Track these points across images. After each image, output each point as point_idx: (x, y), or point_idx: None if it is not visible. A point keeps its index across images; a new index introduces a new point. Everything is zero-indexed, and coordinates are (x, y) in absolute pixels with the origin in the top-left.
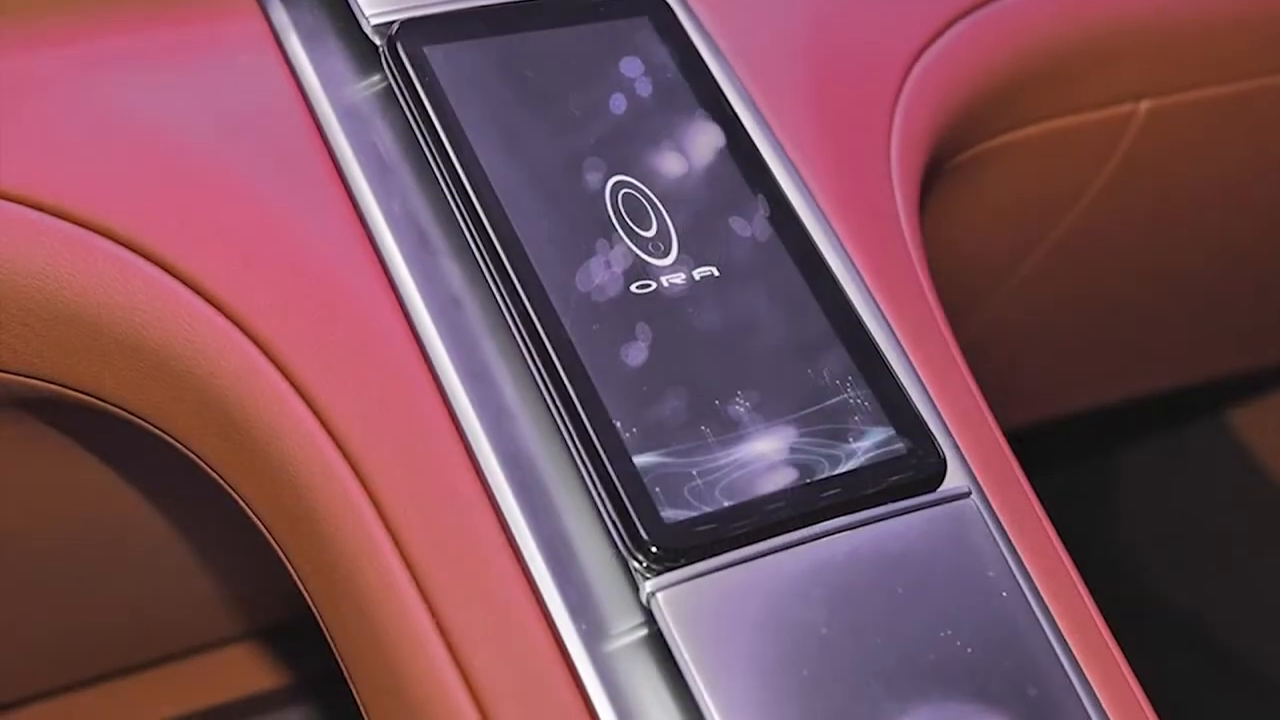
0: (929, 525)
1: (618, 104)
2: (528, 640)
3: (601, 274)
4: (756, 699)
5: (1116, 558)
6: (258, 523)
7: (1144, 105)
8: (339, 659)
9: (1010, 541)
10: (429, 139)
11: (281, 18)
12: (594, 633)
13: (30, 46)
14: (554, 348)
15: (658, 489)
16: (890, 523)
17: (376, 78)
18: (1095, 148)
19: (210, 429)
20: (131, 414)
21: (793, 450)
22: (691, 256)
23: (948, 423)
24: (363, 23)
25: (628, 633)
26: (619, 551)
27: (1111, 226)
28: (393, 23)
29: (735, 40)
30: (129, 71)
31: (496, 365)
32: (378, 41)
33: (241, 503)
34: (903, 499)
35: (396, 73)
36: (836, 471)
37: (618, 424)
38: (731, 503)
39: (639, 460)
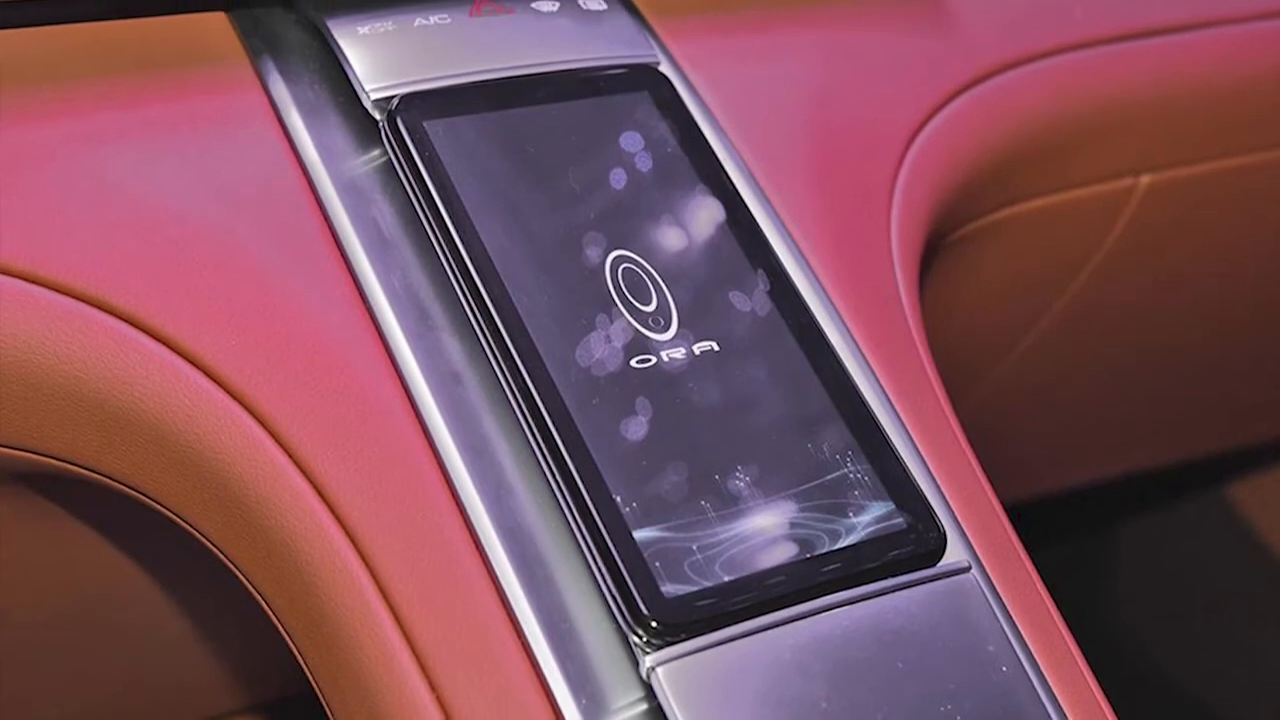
0: (929, 600)
1: (618, 179)
2: (528, 715)
3: (602, 349)
4: None
5: (1116, 632)
6: (257, 596)
7: (1143, 180)
8: None
9: (1010, 616)
10: (429, 214)
11: (282, 92)
12: (594, 707)
13: (29, 119)
14: (554, 422)
15: (658, 563)
16: (890, 597)
17: (377, 152)
18: (1094, 223)
19: (210, 503)
20: (131, 488)
21: (793, 525)
22: (692, 331)
23: (947, 497)
24: (363, 97)
25: (627, 707)
26: (619, 626)
27: (1110, 301)
28: (393, 97)
29: (735, 115)
30: (128, 145)
31: (496, 440)
32: (378, 116)
33: (241, 576)
34: (903, 574)
35: (396, 147)
36: (836, 546)
37: (617, 498)
38: (731, 577)
39: (639, 535)
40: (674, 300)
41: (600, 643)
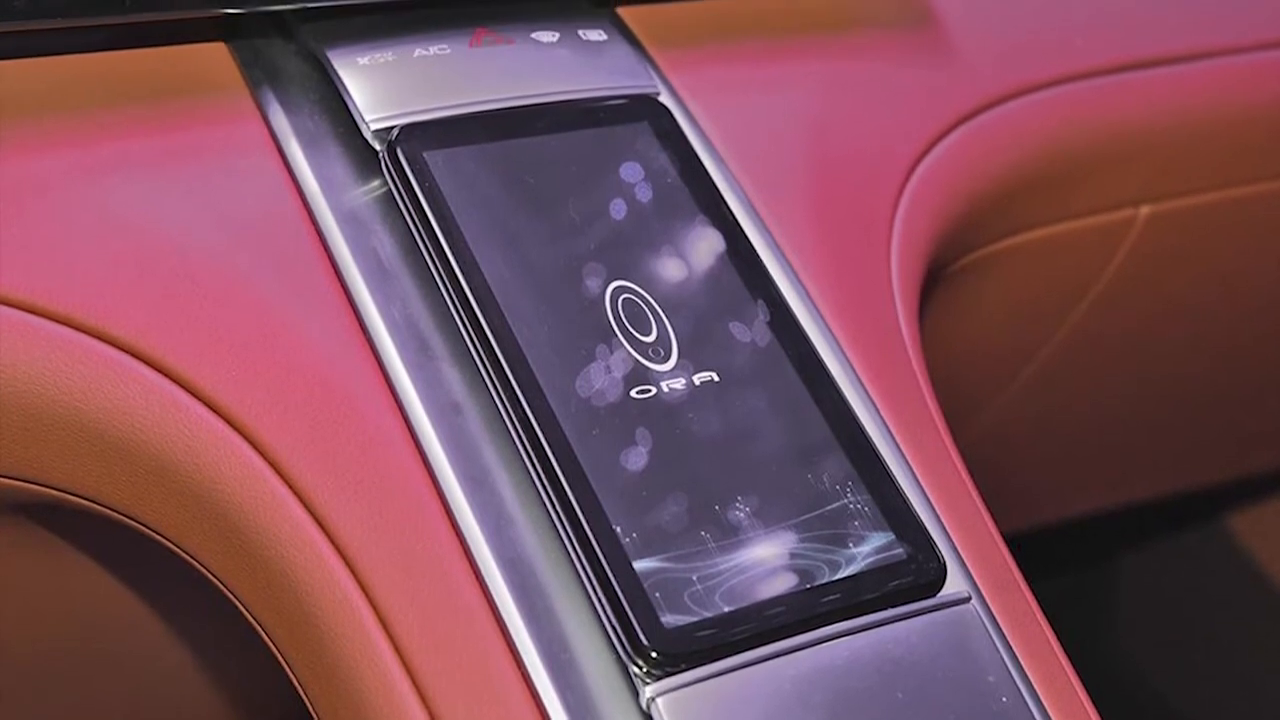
0: (929, 630)
1: (618, 209)
2: None
3: (602, 379)
4: None
5: (1117, 663)
6: (257, 626)
7: (1144, 210)
8: None
9: (1010, 646)
10: (429, 244)
11: (282, 123)
12: None
13: (30, 150)
14: (554, 453)
15: (658, 594)
16: (890, 628)
17: (377, 183)
18: (1095, 253)
19: (210, 533)
20: (131, 518)
21: (793, 555)
22: (692, 361)
23: (947, 527)
24: (363, 128)
25: None
26: (619, 656)
27: (1111, 332)
28: (393, 128)
29: (735, 146)
30: (129, 176)
31: (496, 470)
32: (378, 147)
33: (241, 606)
34: (903, 604)
35: (396, 178)
36: (836, 577)
37: (617, 529)
38: (731, 608)
39: (639, 565)
40: (674, 331)
41: (600, 673)
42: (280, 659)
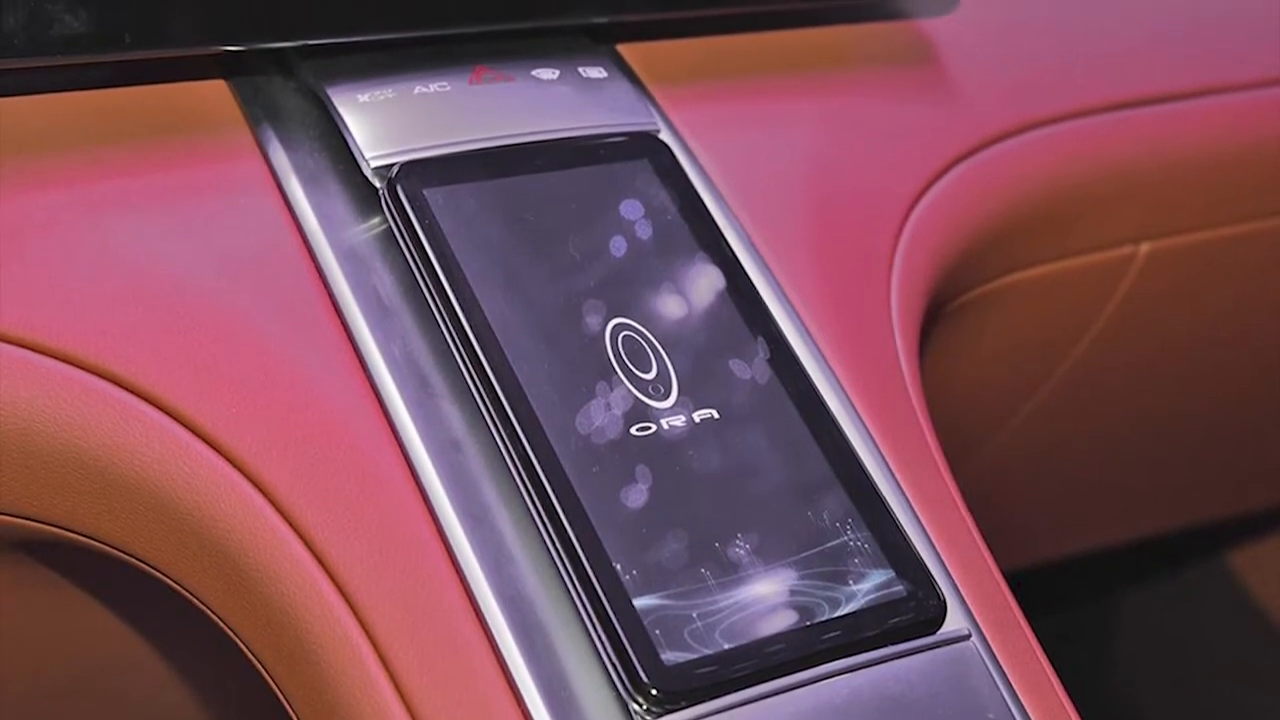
0: (929, 667)
1: (618, 246)
2: None
3: (602, 416)
4: None
5: (1117, 700)
6: (257, 664)
7: (1143, 248)
8: None
9: (1010, 683)
10: (429, 281)
11: (282, 160)
12: None
13: (30, 187)
14: (554, 490)
15: (658, 631)
16: (890, 665)
17: (377, 220)
18: (1094, 290)
19: (209, 570)
20: (131, 556)
21: (793, 592)
22: (692, 399)
23: (947, 565)
24: (363, 165)
25: None
26: (619, 694)
27: (1111, 369)
28: (393, 165)
29: (735, 183)
30: (130, 214)
31: (497, 508)
32: (378, 184)
33: (241, 644)
34: (903, 641)
35: (396, 215)
36: (836, 614)
37: (617, 566)
38: (731, 645)
39: (639, 602)
40: (674, 368)
41: (600, 710)
42: (280, 696)
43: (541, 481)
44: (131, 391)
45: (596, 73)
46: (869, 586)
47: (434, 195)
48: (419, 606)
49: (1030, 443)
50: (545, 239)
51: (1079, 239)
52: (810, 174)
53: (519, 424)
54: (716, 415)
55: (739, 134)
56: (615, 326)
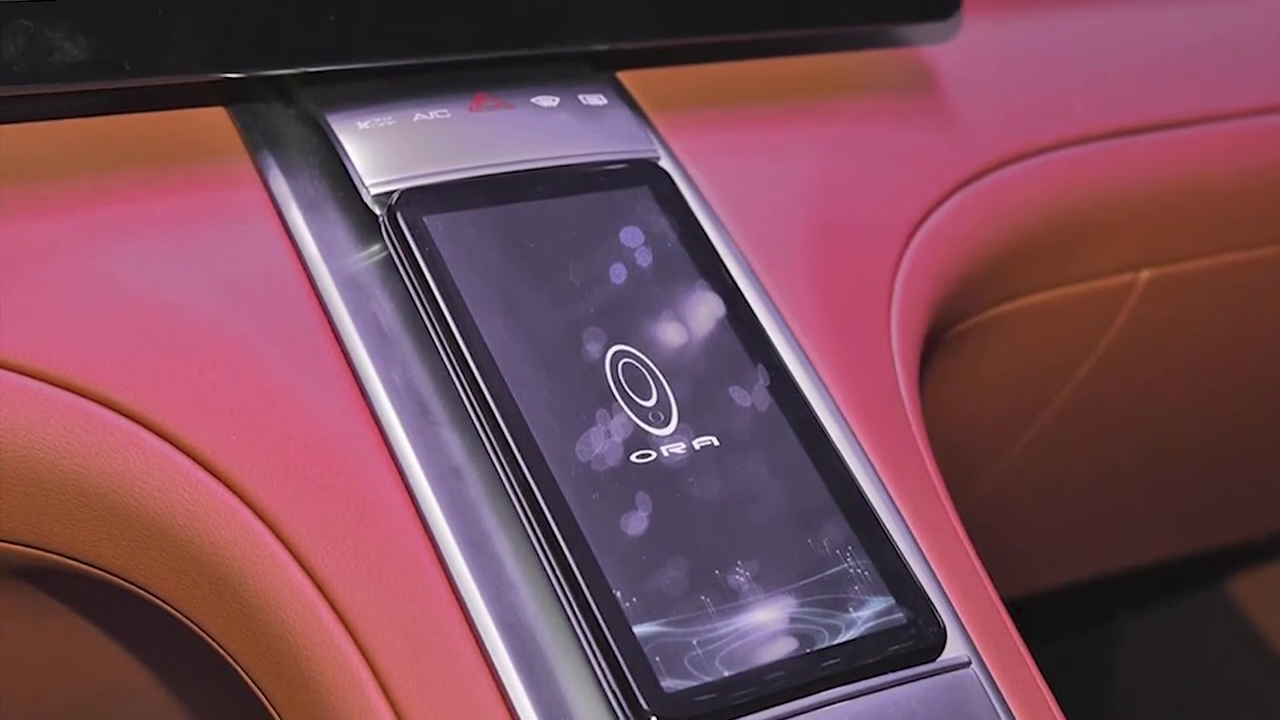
0: (929, 695)
1: (618, 274)
2: None
3: (602, 444)
4: None
5: None
6: (257, 692)
7: (1143, 275)
8: None
9: (1010, 711)
10: (429, 309)
11: (282, 187)
12: None
13: (30, 214)
14: (554, 517)
15: (658, 658)
16: (890, 692)
17: (376, 247)
18: (1094, 317)
19: (210, 598)
20: (131, 583)
21: (793, 620)
22: (691, 426)
23: (947, 592)
24: (363, 192)
25: None
26: None
27: (1111, 396)
28: (393, 192)
29: (735, 210)
30: (130, 241)
31: (497, 535)
32: (378, 211)
33: (241, 672)
34: (903, 668)
35: (396, 242)
36: (836, 641)
37: (617, 593)
38: (731, 672)
39: (639, 630)
40: (674, 395)
41: None
42: None
43: (541, 509)
44: (131, 418)
45: (597, 100)
46: (869, 614)
47: (434, 222)
48: (419, 634)
49: (1030, 470)
50: (545, 266)
51: (1079, 266)
52: (810, 201)
53: (519, 451)
54: (716, 442)
55: (739, 161)
56: (615, 354)
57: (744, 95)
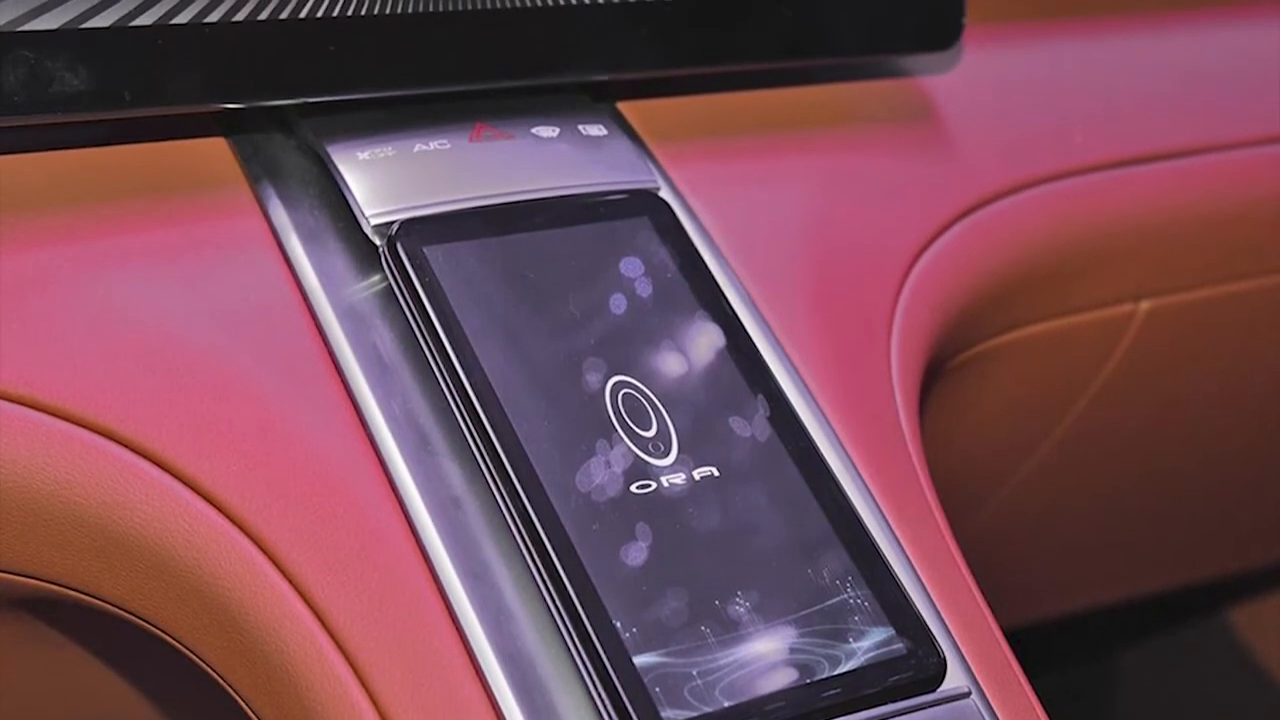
0: None
1: (618, 304)
2: None
3: (602, 474)
4: None
5: None
6: None
7: (1143, 305)
8: None
9: None
10: (429, 339)
11: (282, 217)
12: None
13: (30, 245)
14: (554, 548)
15: (658, 689)
16: None
17: (376, 278)
18: (1094, 348)
19: (210, 629)
20: (131, 614)
21: (793, 650)
22: (691, 456)
23: (947, 622)
24: (363, 223)
25: None
26: None
27: (1111, 427)
28: (393, 223)
29: (735, 240)
30: (129, 271)
31: (496, 565)
32: (378, 241)
33: (241, 702)
34: (903, 699)
35: (396, 273)
36: (836, 671)
37: (617, 624)
38: (731, 703)
39: (639, 660)
40: (674, 426)
41: None
42: None
43: (541, 539)
44: (131, 449)
45: (596, 130)
46: (869, 644)
47: (434, 253)
48: (419, 664)
49: (1030, 500)
50: (545, 296)
51: (1078, 296)
52: (810, 231)
53: (519, 481)
54: (716, 473)
55: (739, 191)
56: (615, 384)
57: (744, 126)
